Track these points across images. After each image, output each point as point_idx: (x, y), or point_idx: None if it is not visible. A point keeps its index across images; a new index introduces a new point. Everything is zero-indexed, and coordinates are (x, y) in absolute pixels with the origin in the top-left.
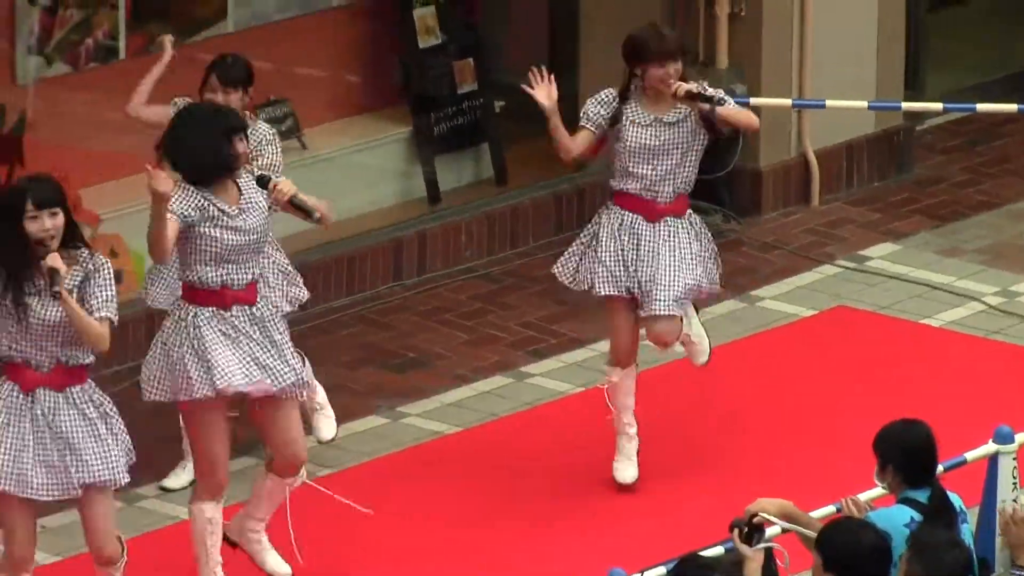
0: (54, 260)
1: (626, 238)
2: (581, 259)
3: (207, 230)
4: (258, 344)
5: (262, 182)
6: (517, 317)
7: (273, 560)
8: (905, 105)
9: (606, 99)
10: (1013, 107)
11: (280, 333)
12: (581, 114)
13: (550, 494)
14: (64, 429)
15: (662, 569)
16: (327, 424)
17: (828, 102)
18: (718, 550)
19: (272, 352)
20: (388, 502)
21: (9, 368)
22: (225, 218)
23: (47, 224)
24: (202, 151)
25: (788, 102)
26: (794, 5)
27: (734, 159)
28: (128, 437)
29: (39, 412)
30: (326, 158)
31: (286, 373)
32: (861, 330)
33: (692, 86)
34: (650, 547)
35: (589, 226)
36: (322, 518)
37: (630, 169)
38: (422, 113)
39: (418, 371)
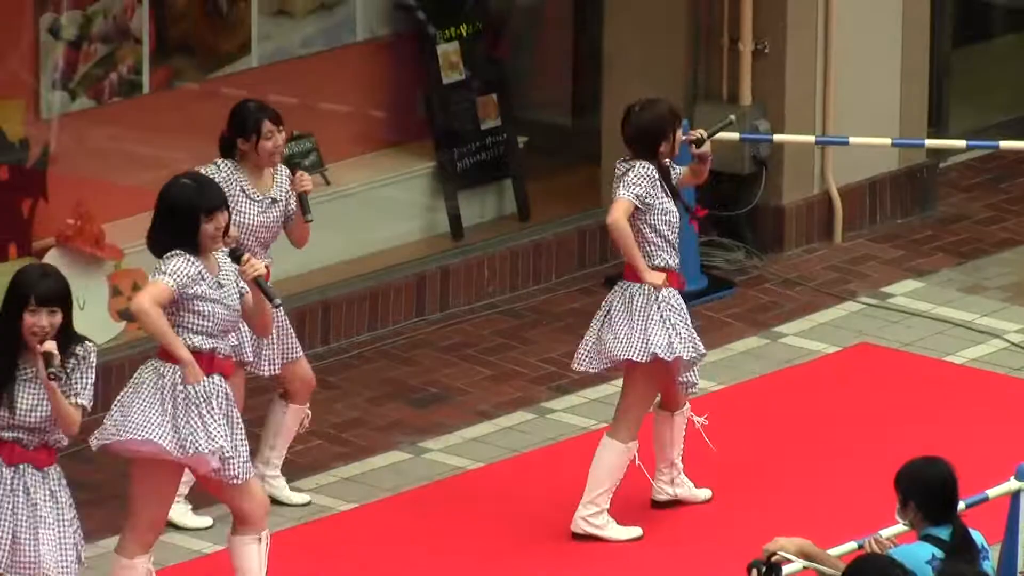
0: (50, 345)
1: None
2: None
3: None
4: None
5: (234, 255)
6: (539, 353)
7: None
8: (928, 142)
9: (652, 177)
10: None
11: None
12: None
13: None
14: (38, 511)
15: None
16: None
17: (851, 139)
18: None
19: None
20: (410, 537)
21: None
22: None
23: (43, 322)
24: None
25: (812, 139)
26: (818, 42)
27: (757, 195)
28: (78, 528)
29: (20, 486)
30: (349, 193)
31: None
32: (883, 367)
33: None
34: None
35: (639, 308)
36: (344, 553)
37: (674, 242)
38: (445, 148)
39: (440, 406)
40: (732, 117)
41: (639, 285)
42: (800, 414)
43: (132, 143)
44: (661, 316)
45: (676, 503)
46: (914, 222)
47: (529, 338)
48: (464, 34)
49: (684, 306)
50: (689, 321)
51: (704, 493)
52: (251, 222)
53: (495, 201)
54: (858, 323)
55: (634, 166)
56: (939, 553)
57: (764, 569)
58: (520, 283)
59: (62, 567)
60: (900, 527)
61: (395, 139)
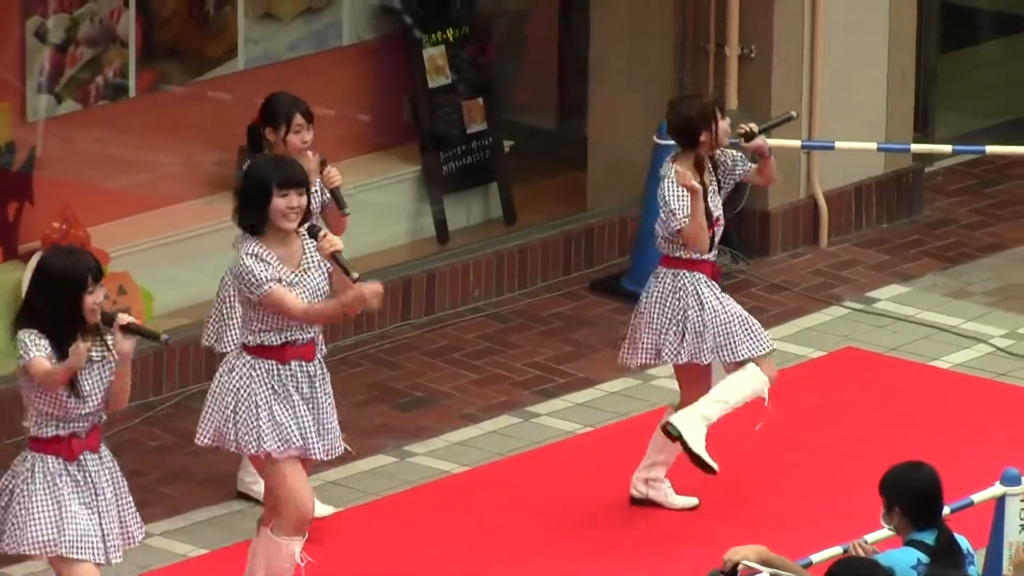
0: (125, 318)
1: (718, 302)
2: (681, 335)
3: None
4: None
5: (312, 232)
6: (525, 357)
7: None
8: (914, 147)
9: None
10: (1022, 150)
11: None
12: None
13: (556, 534)
14: (107, 493)
15: None
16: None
17: (837, 143)
18: None
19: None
20: (395, 541)
21: (52, 444)
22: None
23: (100, 297)
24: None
25: (797, 143)
26: (804, 47)
27: (743, 200)
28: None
29: (87, 477)
30: None
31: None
32: (869, 372)
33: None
34: None
35: (668, 300)
36: (328, 558)
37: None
38: (431, 152)
39: (425, 410)
40: (793, 113)
41: (665, 271)
42: (785, 418)
43: (118, 147)
44: (671, 311)
45: (653, 504)
46: (900, 227)
47: (514, 342)
48: (450, 38)
49: (709, 307)
50: (715, 324)
51: (685, 501)
52: None
53: (481, 205)
54: (844, 328)
55: (665, 182)
56: (924, 558)
57: None
58: (506, 287)
59: (127, 535)
60: (885, 532)
61: (381, 143)
